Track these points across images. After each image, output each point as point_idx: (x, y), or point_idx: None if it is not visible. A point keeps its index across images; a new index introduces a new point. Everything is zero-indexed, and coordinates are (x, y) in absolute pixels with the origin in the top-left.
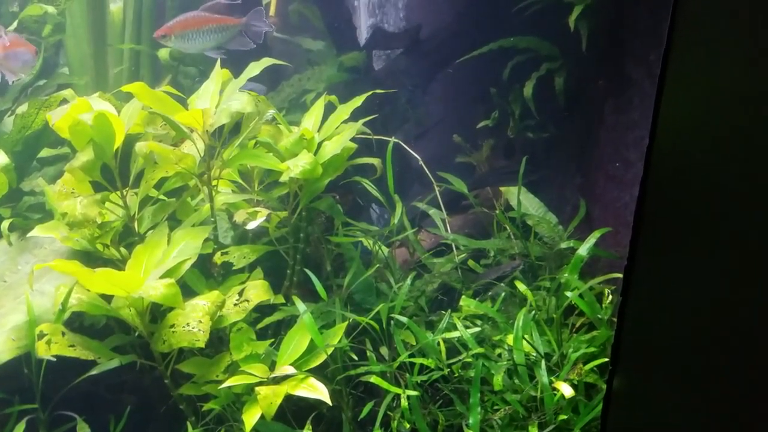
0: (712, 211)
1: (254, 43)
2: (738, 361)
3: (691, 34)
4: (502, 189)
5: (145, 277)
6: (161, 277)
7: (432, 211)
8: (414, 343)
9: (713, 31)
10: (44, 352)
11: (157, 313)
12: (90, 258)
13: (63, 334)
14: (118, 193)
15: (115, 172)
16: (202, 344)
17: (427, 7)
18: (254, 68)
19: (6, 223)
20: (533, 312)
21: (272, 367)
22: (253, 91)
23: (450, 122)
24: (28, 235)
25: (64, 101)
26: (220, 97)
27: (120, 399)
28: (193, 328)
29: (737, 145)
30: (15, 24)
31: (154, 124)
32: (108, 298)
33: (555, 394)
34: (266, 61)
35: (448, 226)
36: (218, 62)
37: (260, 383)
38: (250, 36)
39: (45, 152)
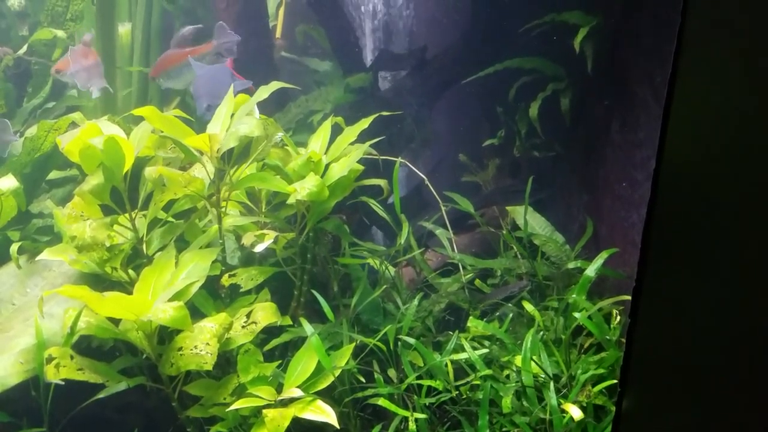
0: (721, 231)
1: (226, 58)
2: (749, 383)
3: (697, 54)
4: (509, 208)
5: (153, 300)
6: (169, 300)
7: (438, 231)
8: (421, 365)
9: (720, 51)
10: (53, 376)
11: (164, 334)
12: (98, 280)
13: (72, 357)
14: (127, 215)
15: (124, 194)
16: (209, 367)
17: (433, 28)
18: (263, 92)
19: (15, 246)
20: (541, 332)
21: (279, 389)
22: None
23: (456, 141)
24: (37, 258)
25: (74, 124)
26: (231, 120)
27: (127, 420)
28: (200, 350)
29: (746, 165)
30: (25, 48)
31: (163, 147)
32: (116, 321)
33: (564, 417)
34: (275, 85)
35: (454, 245)
36: (231, 87)
37: (268, 406)
38: (225, 54)
39: (53, 174)
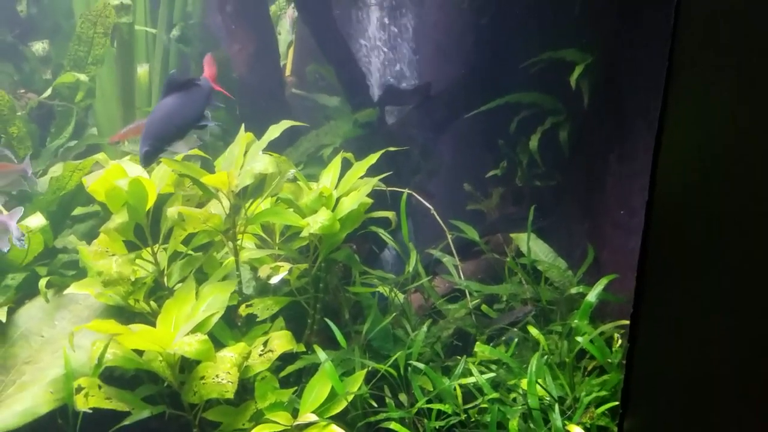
0: (713, 255)
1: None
2: (747, 403)
3: (686, 85)
4: (513, 235)
5: (175, 332)
6: (191, 331)
7: (445, 258)
8: (431, 389)
9: (709, 83)
10: (83, 405)
11: (185, 363)
12: (122, 312)
13: (99, 387)
14: (149, 249)
15: (146, 230)
16: (230, 395)
17: (437, 65)
18: (275, 131)
19: (43, 281)
20: (546, 356)
21: (295, 414)
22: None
23: (461, 172)
24: (65, 292)
25: (98, 165)
26: (245, 158)
27: None
28: (222, 379)
29: (736, 191)
30: (49, 91)
31: (182, 185)
32: (140, 351)
33: None
34: (285, 124)
35: (461, 272)
36: (242, 125)
37: (284, 431)
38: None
39: (76, 210)
